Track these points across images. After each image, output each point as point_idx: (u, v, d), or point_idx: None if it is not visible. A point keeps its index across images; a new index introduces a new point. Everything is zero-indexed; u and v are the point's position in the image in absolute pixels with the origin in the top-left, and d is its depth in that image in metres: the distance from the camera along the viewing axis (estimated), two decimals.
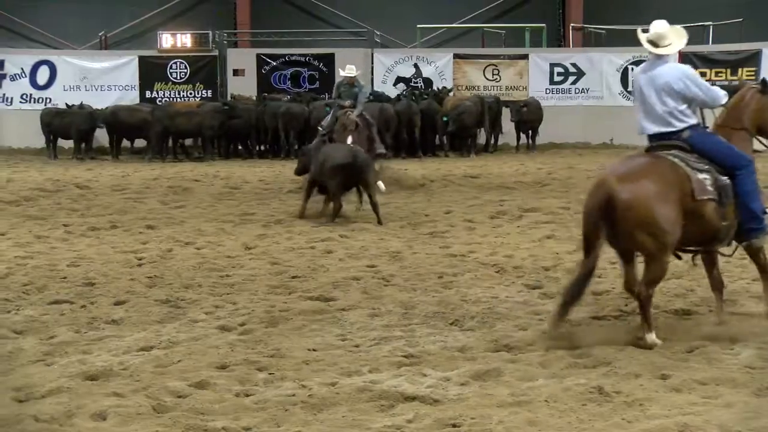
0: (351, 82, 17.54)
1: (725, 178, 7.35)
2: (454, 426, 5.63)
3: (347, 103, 17.17)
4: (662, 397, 6.02)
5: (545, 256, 10.65)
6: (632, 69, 26.29)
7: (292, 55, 28.06)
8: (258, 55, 28.09)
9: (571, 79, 27.11)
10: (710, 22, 28.18)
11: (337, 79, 18.61)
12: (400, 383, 6.34)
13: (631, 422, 5.62)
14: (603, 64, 26.91)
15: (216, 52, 28.01)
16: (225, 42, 28.58)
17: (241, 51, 29.53)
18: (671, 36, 7.91)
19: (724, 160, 7.42)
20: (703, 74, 25.27)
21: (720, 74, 25.64)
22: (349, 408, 5.96)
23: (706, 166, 7.33)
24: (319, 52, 28.17)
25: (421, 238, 11.97)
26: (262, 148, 24.78)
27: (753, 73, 25.18)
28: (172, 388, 6.27)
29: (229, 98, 25.82)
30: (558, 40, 31.12)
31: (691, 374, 6.42)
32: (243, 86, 26.99)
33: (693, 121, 7.58)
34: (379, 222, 12.89)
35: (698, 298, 8.56)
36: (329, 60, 27.67)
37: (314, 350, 7.19)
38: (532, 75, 27.32)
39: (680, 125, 7.51)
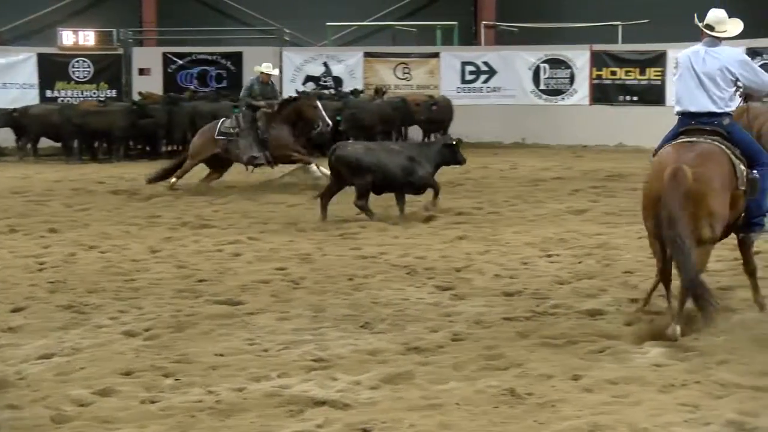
0: (266, 80, 17.39)
1: (755, 171, 7.59)
2: (364, 430, 5.57)
3: (262, 103, 17.05)
4: (574, 398, 6.02)
5: (457, 257, 10.64)
6: (545, 67, 26.63)
7: (199, 53, 27.73)
8: (164, 54, 27.69)
9: (483, 77, 27.24)
10: (619, 22, 28.62)
11: (250, 77, 18.44)
12: (310, 388, 6.27)
13: (544, 424, 5.62)
14: (515, 63, 27.08)
15: (121, 51, 27.49)
16: (130, 40, 28.10)
17: (147, 50, 29.10)
18: (728, 22, 8.15)
19: (755, 154, 7.71)
20: (613, 73, 25.79)
21: (630, 73, 26.05)
22: (258, 414, 5.86)
23: (741, 158, 7.59)
24: (227, 50, 27.90)
25: (332, 240, 11.87)
26: (170, 149, 24.34)
27: (660, 74, 25.63)
28: (74, 396, 6.11)
29: (136, 98, 25.33)
30: (470, 38, 31.28)
31: (602, 374, 6.44)
32: (149, 86, 26.54)
33: (732, 108, 7.86)
34: None
35: (610, 298, 8.60)
36: (237, 59, 27.42)
37: (222, 355, 7.07)
38: (443, 73, 27.36)
39: (725, 109, 7.74)
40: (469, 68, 27.29)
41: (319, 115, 17.23)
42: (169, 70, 27.33)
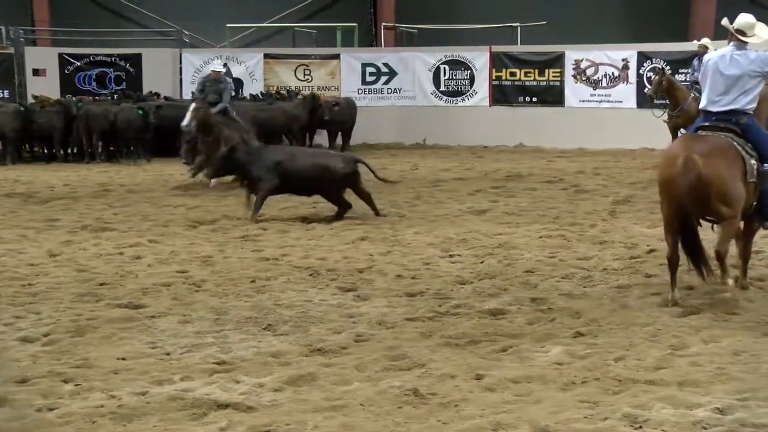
0: (217, 78, 17.29)
1: (766, 165, 8.28)
2: None
3: (198, 99, 16.96)
4: (477, 397, 6.09)
5: (359, 258, 10.65)
6: (444, 68, 26.79)
7: (97, 55, 27.25)
8: (60, 55, 27.13)
9: (384, 78, 27.27)
10: (518, 24, 28.97)
11: (202, 75, 18.31)
12: (213, 390, 6.23)
13: (447, 423, 5.67)
14: (415, 64, 27.16)
15: (11, 50, 26.81)
16: (22, 39, 27.42)
17: (41, 50, 28.46)
18: (758, 27, 8.59)
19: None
20: (513, 74, 26.07)
21: (529, 74, 26.33)
22: (161, 417, 5.81)
23: (753, 153, 8.27)
24: (126, 52, 27.48)
25: (233, 242, 11.79)
26: (69, 151, 23.81)
27: (558, 74, 25.98)
28: None
29: (30, 99, 24.74)
30: (370, 40, 31.34)
31: (504, 373, 6.52)
32: (45, 87, 25.95)
33: (752, 107, 8.44)
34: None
35: (511, 298, 8.70)
36: (136, 60, 27.04)
37: (124, 359, 6.99)
38: (344, 75, 27.33)
39: (746, 108, 8.40)
40: (369, 69, 27.31)
41: None
42: (66, 72, 26.80)
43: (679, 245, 8.30)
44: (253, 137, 17.14)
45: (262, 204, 13.39)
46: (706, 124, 8.49)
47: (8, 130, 22.29)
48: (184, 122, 16.71)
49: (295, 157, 13.72)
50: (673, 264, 8.39)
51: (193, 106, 16.88)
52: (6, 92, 26.24)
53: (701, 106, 8.61)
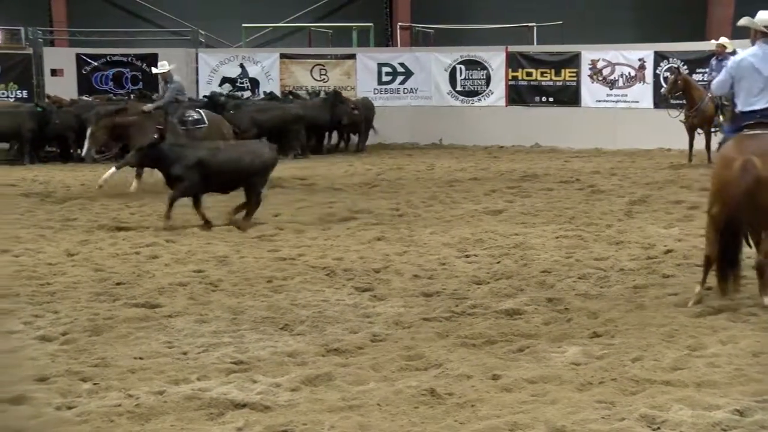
0: (164, 78, 17.27)
1: None
2: None
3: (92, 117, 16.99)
4: (493, 398, 6.07)
5: (375, 258, 10.64)
6: (460, 68, 26.78)
7: (113, 55, 27.34)
8: (78, 55, 27.24)
9: (400, 78, 27.27)
10: (534, 24, 28.91)
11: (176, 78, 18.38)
12: (230, 390, 6.23)
13: (463, 424, 5.65)
14: (431, 64, 27.16)
15: (30, 51, 26.91)
16: (40, 40, 27.53)
17: (59, 50, 28.57)
18: None
19: None
20: (529, 74, 26.02)
21: (545, 74, 26.28)
22: (178, 417, 5.81)
23: None
24: (142, 52, 27.56)
25: (249, 242, 11.80)
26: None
27: (575, 74, 25.93)
28: None
29: (45, 99, 24.84)
30: (386, 40, 31.33)
31: (521, 373, 6.50)
32: (63, 87, 26.07)
33: None
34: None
35: (527, 298, 8.68)
36: (153, 60, 27.04)
37: (140, 358, 6.99)
38: (359, 75, 27.35)
39: None
40: (385, 69, 27.32)
41: None
42: (84, 72, 26.89)
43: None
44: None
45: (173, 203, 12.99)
46: (751, 122, 8.26)
47: (25, 130, 22.37)
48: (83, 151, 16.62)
49: (217, 151, 13.28)
50: (709, 264, 8.26)
51: (89, 131, 16.75)
52: (24, 92, 26.33)
53: (739, 108, 8.42)
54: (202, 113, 17.77)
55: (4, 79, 26.37)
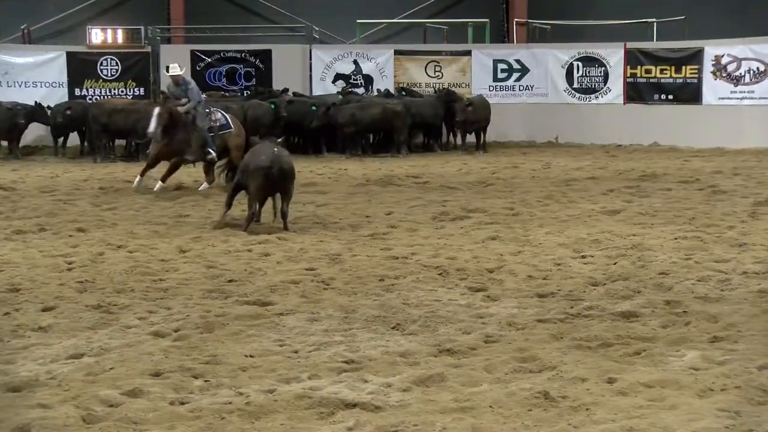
0: (176, 81, 17.29)
1: None
2: None
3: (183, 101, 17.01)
4: (608, 401, 5.94)
5: (489, 258, 10.53)
6: (578, 65, 26.45)
7: (227, 51, 27.67)
8: (192, 52, 27.61)
9: (515, 75, 27.04)
10: (654, 19, 28.36)
11: (167, 84, 18.35)
12: (340, 390, 6.20)
13: (577, 427, 5.55)
14: (548, 61, 26.88)
15: (149, 49, 27.43)
16: (158, 38, 28.05)
17: (175, 47, 29.02)
18: None
19: None
20: (648, 71, 25.53)
21: (665, 71, 25.78)
22: (288, 416, 5.81)
23: None
24: (256, 48, 27.84)
25: (362, 240, 11.78)
26: None
27: (696, 71, 25.35)
28: (103, 397, 6.07)
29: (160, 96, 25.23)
30: (501, 36, 31.09)
31: (637, 377, 6.35)
32: None
33: None
34: (285, 228, 12.42)
35: (644, 300, 8.47)
36: (266, 56, 27.37)
37: (251, 356, 7.01)
38: (474, 71, 27.18)
39: None
40: (501, 66, 27.11)
41: None
42: (198, 68, 27.29)
43: None
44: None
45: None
46: None
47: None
48: (150, 129, 16.60)
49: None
50: None
51: (156, 111, 16.72)
52: (142, 89, 26.87)
53: None
54: (228, 118, 17.73)
55: (124, 78, 26.95)
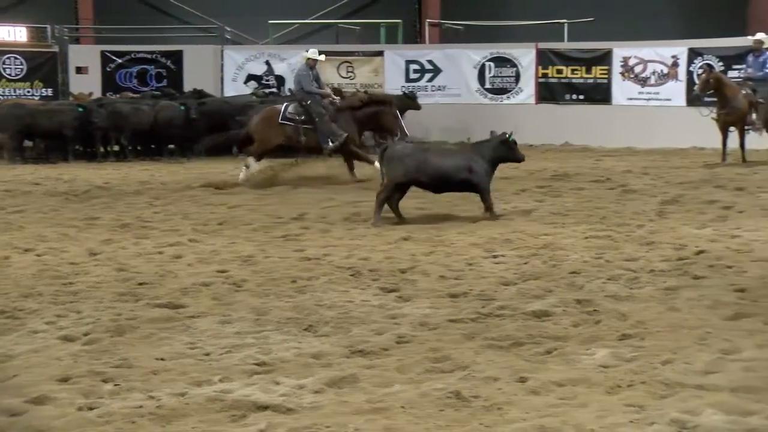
0: (313, 66, 17.95)
1: None
2: None
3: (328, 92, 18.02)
4: (520, 400, 5.97)
5: (402, 258, 10.54)
6: (490, 66, 26.65)
7: (138, 52, 27.35)
8: (102, 52, 27.25)
9: (428, 76, 27.17)
10: (565, 20, 28.73)
11: (299, 66, 19.23)
12: (253, 392, 6.16)
13: (490, 427, 5.56)
14: (460, 61, 27.03)
15: (56, 48, 26.96)
16: (66, 37, 27.57)
17: (84, 47, 28.62)
18: None
19: None
20: (559, 71, 25.85)
21: (576, 72, 26.11)
22: (200, 419, 5.75)
23: None
24: (167, 48, 27.57)
25: (275, 242, 11.73)
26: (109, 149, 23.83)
27: (606, 72, 25.74)
28: (6, 405, 5.93)
29: (69, 98, 24.84)
30: (414, 37, 31.21)
31: (549, 376, 6.40)
32: (87, 85, 26.04)
33: None
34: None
35: (556, 299, 8.54)
36: (177, 57, 27.13)
37: (163, 359, 6.93)
38: (388, 72, 27.27)
39: None
40: (413, 67, 27.22)
41: (398, 125, 17.67)
42: (108, 69, 26.91)
43: None
44: None
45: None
46: None
47: (68, 128, 22.30)
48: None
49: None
50: None
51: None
52: (50, 90, 26.38)
53: None
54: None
55: (30, 78, 26.42)
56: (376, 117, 17.92)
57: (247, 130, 18.26)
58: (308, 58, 18.18)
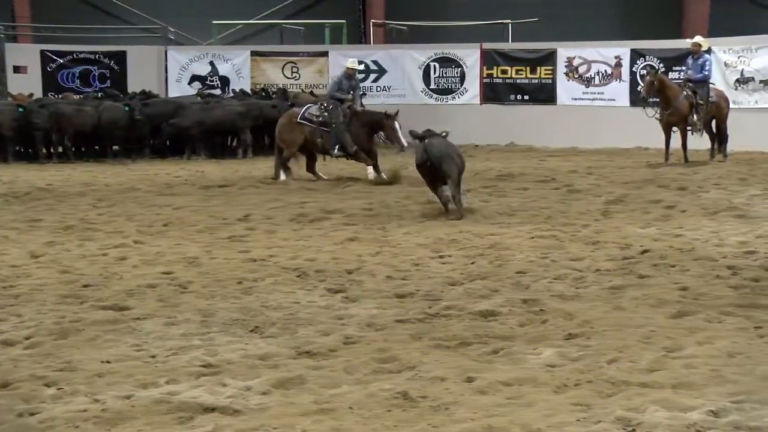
0: (352, 75, 18.56)
1: None
2: None
3: (349, 97, 18.29)
4: (468, 400, 5.98)
5: (348, 259, 10.53)
6: (435, 66, 26.70)
7: (80, 52, 27.05)
8: (42, 52, 26.90)
9: (373, 76, 27.18)
10: (509, 20, 28.87)
11: (338, 73, 19.92)
12: (199, 394, 6.11)
13: (438, 427, 5.56)
14: (405, 62, 27.08)
15: None
16: (2, 36, 27.16)
17: (23, 46, 28.23)
18: None
19: None
20: (504, 72, 25.96)
21: (521, 72, 26.25)
22: (146, 421, 5.69)
23: None
24: (110, 49, 27.31)
25: (220, 243, 11.66)
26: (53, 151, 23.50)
27: (550, 72, 25.91)
28: None
29: (8, 98, 24.45)
30: (359, 37, 31.21)
31: (496, 375, 6.41)
32: (27, 85, 25.65)
33: None
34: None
35: (503, 299, 8.58)
36: (121, 58, 26.89)
37: (108, 362, 6.85)
38: (332, 72, 27.16)
39: None
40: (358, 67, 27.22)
41: (396, 137, 18.12)
42: (49, 69, 26.58)
43: None
44: None
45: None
46: None
47: (6, 128, 21.96)
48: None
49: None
50: None
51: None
52: None
53: None
54: None
55: None
56: (377, 125, 18.52)
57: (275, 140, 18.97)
58: (347, 67, 18.88)
